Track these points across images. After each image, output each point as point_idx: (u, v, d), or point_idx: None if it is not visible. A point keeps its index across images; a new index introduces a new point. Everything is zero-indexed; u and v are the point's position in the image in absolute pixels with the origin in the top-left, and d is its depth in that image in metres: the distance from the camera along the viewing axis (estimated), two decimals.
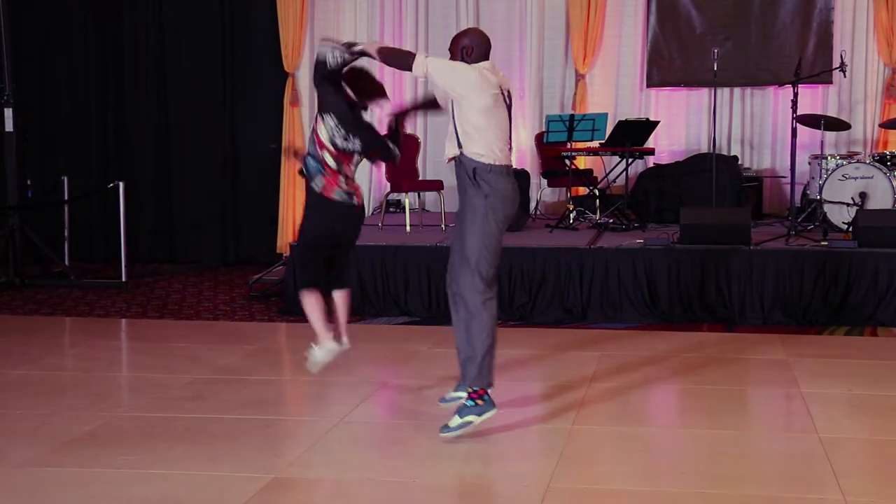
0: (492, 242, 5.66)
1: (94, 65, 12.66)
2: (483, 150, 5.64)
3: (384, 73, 12.20)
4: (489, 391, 5.68)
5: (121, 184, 10.80)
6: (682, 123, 11.87)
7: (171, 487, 5.01)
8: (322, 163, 6.07)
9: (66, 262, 11.34)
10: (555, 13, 11.87)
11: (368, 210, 12.06)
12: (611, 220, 10.31)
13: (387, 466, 5.42)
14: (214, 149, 12.41)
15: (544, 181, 11.41)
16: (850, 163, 9.96)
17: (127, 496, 4.90)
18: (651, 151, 11.06)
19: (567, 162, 10.71)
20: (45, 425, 5.98)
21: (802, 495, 4.88)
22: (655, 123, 10.84)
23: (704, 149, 11.45)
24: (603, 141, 10.58)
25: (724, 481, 5.07)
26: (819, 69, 10.99)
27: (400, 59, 5.91)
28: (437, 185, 10.57)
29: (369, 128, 6.21)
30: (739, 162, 11.37)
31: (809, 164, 10.65)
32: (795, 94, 9.66)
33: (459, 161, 5.71)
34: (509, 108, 5.80)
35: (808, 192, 10.58)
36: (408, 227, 10.22)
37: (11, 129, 10.99)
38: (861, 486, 5.02)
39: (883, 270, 8.67)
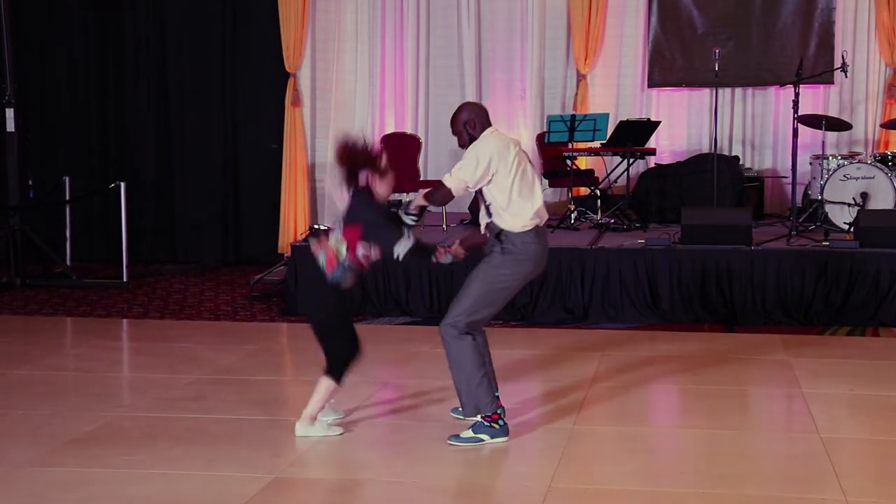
0: (494, 292, 5.65)
1: (95, 65, 12.66)
2: (512, 219, 5.64)
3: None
4: (503, 417, 5.66)
5: (122, 184, 10.80)
6: (683, 123, 11.86)
7: (171, 487, 5.01)
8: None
9: (68, 263, 11.34)
10: (556, 13, 11.87)
11: None
12: (612, 221, 10.31)
13: (387, 466, 5.42)
14: (215, 149, 12.41)
15: (545, 181, 11.38)
16: (851, 163, 9.96)
17: (128, 496, 4.90)
18: (652, 152, 11.06)
19: (568, 162, 10.71)
20: (46, 425, 5.99)
21: (803, 495, 4.88)
22: (657, 124, 10.83)
23: (706, 149, 11.45)
24: (604, 141, 10.58)
25: (725, 481, 5.06)
26: (820, 69, 10.99)
27: (441, 194, 5.81)
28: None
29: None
30: (741, 162, 11.36)
31: (811, 164, 10.64)
32: (797, 95, 9.66)
33: (490, 226, 5.74)
34: (530, 162, 5.81)
35: (810, 192, 10.57)
36: None
37: (13, 130, 10.99)
38: (862, 486, 5.02)
39: (884, 270, 8.67)
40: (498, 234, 5.68)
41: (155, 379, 7.05)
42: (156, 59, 12.51)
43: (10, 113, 10.97)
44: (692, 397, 6.67)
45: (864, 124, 11.37)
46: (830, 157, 10.20)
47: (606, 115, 10.68)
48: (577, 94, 11.64)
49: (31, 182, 11.37)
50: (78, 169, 12.20)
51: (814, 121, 10.23)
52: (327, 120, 12.20)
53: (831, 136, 10.89)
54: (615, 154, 10.71)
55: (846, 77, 10.73)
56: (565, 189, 11.24)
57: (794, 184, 9.95)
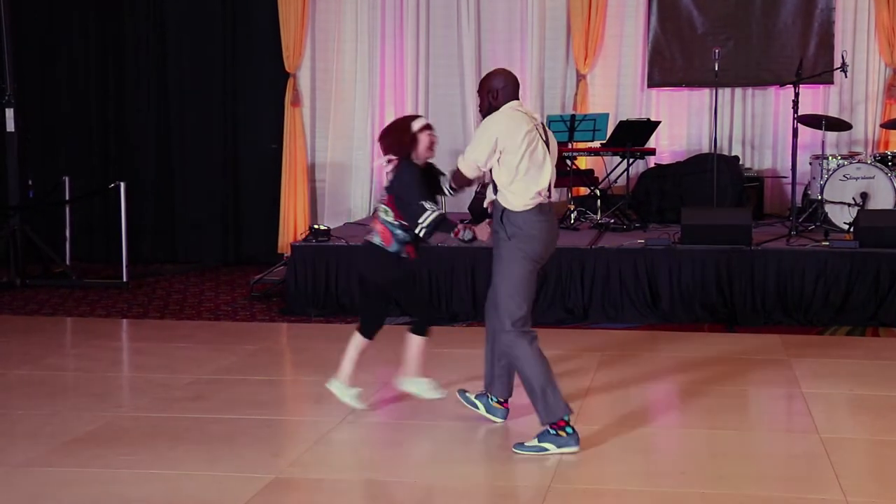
0: (518, 285, 5.54)
1: (95, 65, 12.66)
2: (514, 198, 5.55)
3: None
4: (571, 423, 5.49)
5: (122, 184, 10.80)
6: (683, 123, 11.86)
7: (171, 487, 5.01)
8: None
9: (68, 263, 11.34)
10: (556, 13, 11.86)
11: (369, 210, 12.10)
12: (612, 221, 10.31)
13: (387, 467, 5.42)
14: (215, 149, 12.41)
15: None
16: (851, 163, 9.96)
17: (128, 496, 4.90)
18: (652, 152, 11.06)
19: (568, 162, 10.70)
20: (46, 425, 5.99)
21: (803, 495, 4.88)
22: (656, 124, 10.83)
23: (705, 149, 11.44)
24: (604, 141, 10.58)
25: (726, 481, 5.07)
26: (820, 69, 10.98)
27: (457, 176, 5.81)
28: None
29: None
30: (741, 162, 11.36)
31: (811, 164, 10.64)
32: (797, 95, 9.66)
33: (495, 204, 5.67)
34: (546, 141, 5.67)
35: (810, 192, 10.57)
36: None
37: (13, 130, 10.99)
38: (862, 486, 5.02)
39: (884, 271, 8.67)
40: (501, 215, 5.58)
41: (155, 379, 7.05)
42: (156, 59, 12.51)
43: (9, 113, 10.97)
44: (692, 397, 6.67)
45: (864, 124, 11.37)
46: (830, 157, 10.20)
47: (606, 115, 10.69)
48: (576, 93, 11.64)
49: (31, 182, 11.37)
50: (78, 169, 12.20)
51: (814, 121, 10.23)
52: (327, 120, 12.20)
53: (831, 136, 10.89)
54: (615, 154, 10.71)
55: (846, 77, 10.73)
56: (565, 189, 11.24)
57: (793, 184, 9.95)
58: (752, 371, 7.29)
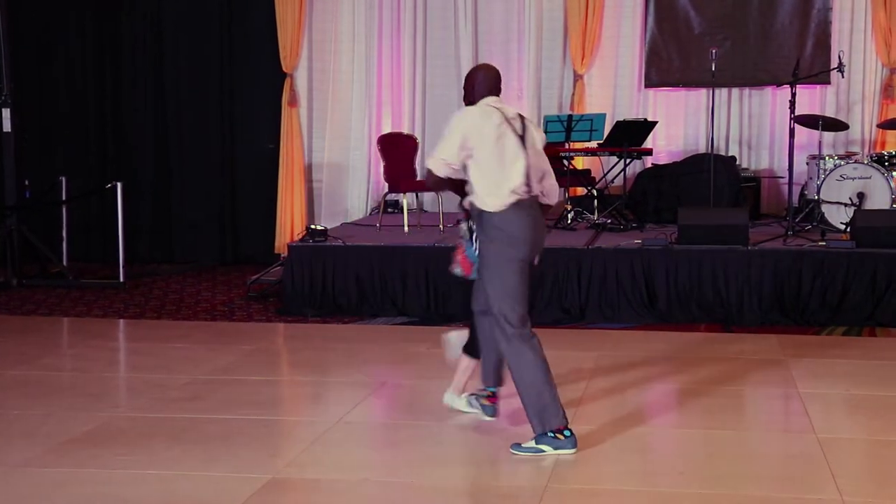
0: (508, 288, 5.41)
1: (92, 65, 12.66)
2: (488, 198, 5.39)
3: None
4: (570, 428, 5.44)
5: (119, 184, 10.79)
6: (680, 124, 11.87)
7: (168, 488, 5.01)
8: None
9: (64, 263, 11.33)
10: (553, 14, 11.87)
11: (366, 210, 12.09)
12: (609, 221, 10.31)
13: (384, 467, 5.42)
14: (212, 149, 12.41)
15: None
16: (847, 163, 9.97)
17: (124, 496, 4.90)
18: (649, 152, 11.07)
19: (565, 162, 10.70)
20: (42, 425, 5.98)
21: (800, 495, 4.88)
22: (653, 124, 10.84)
23: (702, 149, 11.46)
24: (601, 141, 10.58)
25: (722, 481, 5.07)
26: (817, 69, 10.99)
27: (428, 178, 5.55)
28: None
29: None
30: (737, 162, 11.37)
31: (807, 164, 10.65)
32: (793, 95, 9.67)
33: (472, 205, 5.53)
34: (523, 136, 5.51)
35: (806, 192, 10.58)
36: (406, 228, 10.22)
37: (9, 130, 10.98)
38: (858, 486, 5.02)
39: (881, 271, 8.67)
40: (480, 217, 5.46)
41: (151, 379, 7.05)
42: (153, 58, 12.51)
43: (6, 113, 10.95)
44: (689, 397, 6.67)
45: (861, 124, 11.38)
46: (827, 158, 10.21)
47: (603, 116, 10.69)
48: (573, 94, 11.65)
49: (27, 182, 11.36)
50: (75, 169, 12.19)
51: (810, 121, 10.24)
52: (324, 120, 12.21)
53: (828, 136, 10.89)
54: (612, 154, 10.71)
55: (843, 77, 10.74)
56: (562, 189, 11.23)
57: (790, 184, 9.96)
58: (749, 371, 7.29)
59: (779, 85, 10.89)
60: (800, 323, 8.67)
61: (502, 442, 5.63)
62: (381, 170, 11.08)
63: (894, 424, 6.00)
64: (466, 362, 6.04)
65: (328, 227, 10.03)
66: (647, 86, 11.87)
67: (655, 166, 11.36)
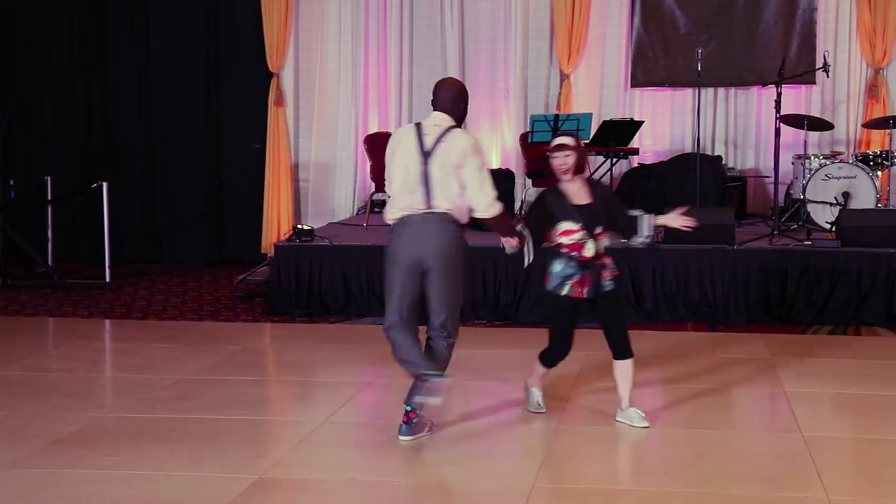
0: (388, 292, 5.74)
1: (79, 64, 12.60)
2: (387, 212, 5.79)
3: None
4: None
5: (104, 184, 10.75)
6: (666, 123, 11.88)
7: (155, 488, 5.00)
8: None
9: (50, 263, 11.29)
10: (539, 13, 11.87)
11: (353, 210, 12.08)
12: None
13: (371, 467, 5.42)
14: (199, 149, 12.37)
15: (529, 181, 11.41)
16: (833, 163, 10.00)
17: (111, 497, 4.89)
18: (635, 151, 11.08)
19: None
20: (29, 426, 5.96)
21: (787, 494, 4.90)
22: (640, 123, 10.86)
23: (689, 149, 11.47)
24: (587, 141, 10.58)
25: (709, 481, 5.08)
26: (802, 69, 11.03)
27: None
28: None
29: None
30: (723, 162, 11.38)
31: (793, 163, 10.68)
32: (779, 95, 9.70)
33: None
34: (430, 152, 5.63)
35: (792, 191, 10.60)
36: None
37: None
38: (844, 484, 5.04)
39: (866, 270, 8.70)
40: None
41: (138, 379, 7.03)
42: (139, 58, 12.47)
43: None
44: (675, 397, 6.68)
45: (846, 124, 11.41)
46: (812, 157, 10.24)
47: (590, 115, 10.69)
48: (560, 93, 11.65)
49: (12, 182, 11.32)
50: (62, 169, 12.13)
51: (796, 120, 10.27)
52: (311, 120, 12.19)
53: (813, 135, 10.92)
54: (598, 154, 10.72)
55: (828, 77, 10.75)
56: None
57: (776, 183, 9.98)
58: (735, 370, 7.31)
59: (764, 85, 10.91)
60: (786, 322, 8.70)
61: (490, 441, 5.64)
62: (368, 169, 11.08)
63: (879, 423, 6.02)
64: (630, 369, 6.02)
65: (315, 227, 10.02)
66: (633, 85, 11.88)
67: (642, 166, 11.37)
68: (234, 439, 5.73)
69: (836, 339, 8.26)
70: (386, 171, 5.79)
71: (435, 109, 5.81)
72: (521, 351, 7.77)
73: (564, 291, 5.84)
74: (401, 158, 5.67)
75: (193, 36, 12.30)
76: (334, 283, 9.31)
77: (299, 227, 9.83)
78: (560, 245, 5.81)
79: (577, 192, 5.80)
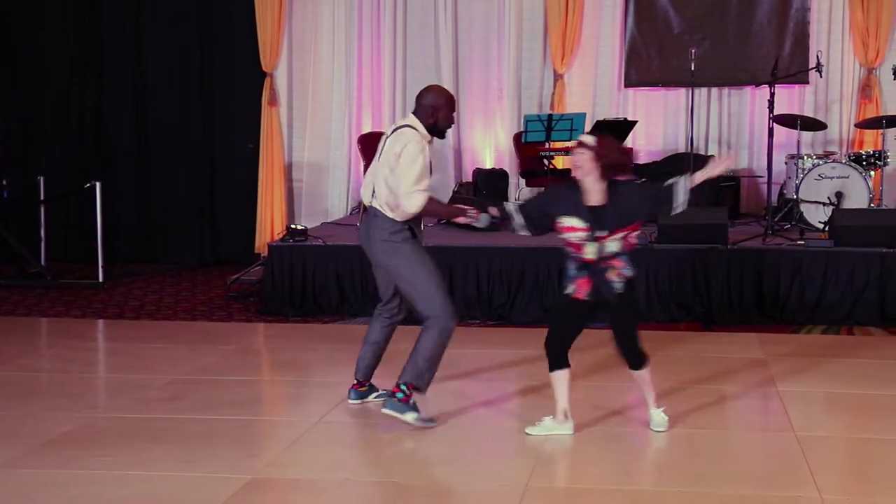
0: (432, 280, 6.04)
1: (73, 65, 12.58)
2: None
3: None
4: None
5: (97, 184, 10.74)
6: (659, 123, 11.89)
7: (148, 488, 4.99)
8: None
9: (43, 263, 11.27)
10: (533, 13, 11.88)
11: (346, 210, 12.07)
12: None
13: (364, 467, 5.42)
14: (192, 148, 12.36)
15: (522, 181, 11.42)
16: (826, 162, 10.02)
17: (105, 497, 4.88)
18: (629, 151, 11.09)
19: (545, 162, 10.73)
20: (22, 426, 5.95)
21: (780, 493, 4.90)
22: (633, 123, 10.87)
23: (682, 148, 11.49)
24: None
25: (703, 480, 5.08)
26: (795, 69, 11.04)
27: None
28: None
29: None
30: None
31: (786, 163, 10.70)
32: (772, 94, 9.72)
33: None
34: (380, 150, 6.05)
35: (785, 191, 10.62)
36: None
37: None
38: (837, 483, 5.05)
39: (859, 269, 8.72)
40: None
41: (131, 379, 7.02)
42: (133, 58, 12.45)
43: None
44: (669, 396, 6.68)
45: (839, 124, 11.43)
46: (805, 157, 10.26)
47: (583, 115, 10.70)
48: (553, 93, 11.66)
49: (5, 182, 11.30)
50: (55, 169, 12.12)
51: (789, 120, 10.28)
52: (304, 120, 12.19)
53: (806, 135, 10.94)
54: None
55: (821, 77, 10.79)
56: (542, 188, 11.25)
57: (769, 183, 10.00)
58: (729, 370, 7.32)
59: (757, 85, 10.93)
60: (779, 322, 8.71)
61: (484, 441, 5.64)
62: (361, 169, 11.07)
63: (873, 422, 6.03)
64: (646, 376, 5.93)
65: (308, 227, 10.01)
66: (626, 85, 11.89)
67: (635, 165, 11.37)
68: (228, 439, 5.72)
69: (830, 339, 8.27)
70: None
71: (411, 113, 6.06)
72: (514, 351, 7.79)
73: (568, 290, 5.82)
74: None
75: (187, 36, 12.28)
76: (328, 282, 9.30)
77: (293, 226, 9.82)
78: (567, 243, 5.78)
79: (593, 192, 5.73)
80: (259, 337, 8.71)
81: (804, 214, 9.86)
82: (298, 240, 9.57)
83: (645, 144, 11.78)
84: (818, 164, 9.97)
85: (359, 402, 6.32)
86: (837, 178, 9.85)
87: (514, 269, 9.06)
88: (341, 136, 12.18)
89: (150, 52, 12.43)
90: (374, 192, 5.96)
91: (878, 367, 7.34)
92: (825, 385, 6.84)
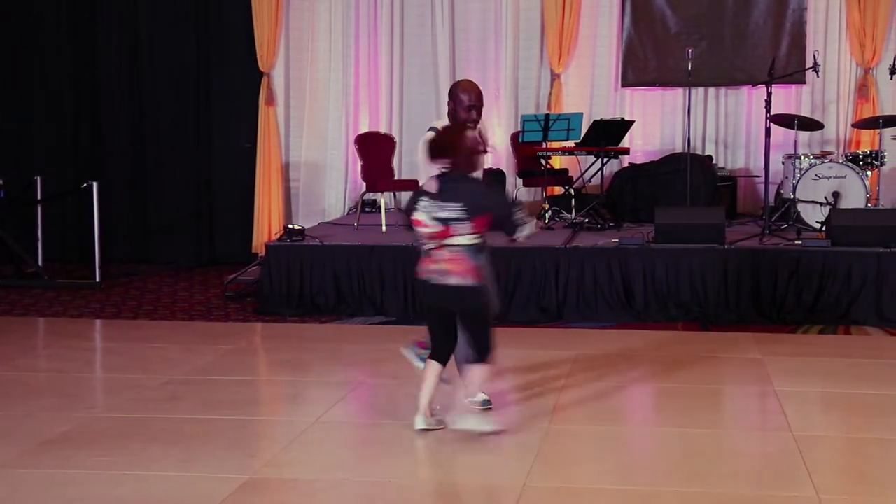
0: None
1: (69, 64, 12.58)
2: None
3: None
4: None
5: (94, 183, 10.74)
6: (656, 123, 11.91)
7: (145, 488, 4.99)
8: None
9: (40, 263, 11.27)
10: (530, 13, 11.89)
11: (344, 209, 12.07)
12: (586, 220, 10.33)
13: (362, 466, 5.41)
14: (189, 148, 12.36)
15: (520, 181, 11.42)
16: (823, 162, 10.03)
17: (102, 497, 4.88)
18: (626, 151, 11.10)
19: (542, 161, 10.73)
20: (18, 427, 5.95)
21: (777, 493, 4.91)
22: (630, 123, 10.87)
23: (679, 148, 11.50)
24: (578, 140, 10.60)
25: (700, 480, 5.09)
26: (792, 69, 11.06)
27: None
28: (412, 185, 10.52)
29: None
30: (714, 161, 11.42)
31: (783, 163, 10.70)
32: (769, 94, 9.72)
33: None
34: None
35: (782, 191, 10.63)
36: (384, 227, 10.21)
37: None
38: (835, 483, 5.05)
39: (856, 269, 8.72)
40: None
41: (128, 379, 7.02)
42: (129, 57, 12.45)
43: None
44: (666, 396, 6.70)
45: (836, 124, 11.45)
46: (802, 157, 10.27)
47: (580, 115, 10.71)
48: (550, 93, 11.67)
49: (2, 181, 11.29)
50: (51, 169, 12.12)
51: (786, 120, 10.29)
52: (301, 119, 12.19)
53: (803, 135, 10.95)
54: (589, 153, 10.74)
55: (818, 77, 10.80)
56: (539, 188, 11.26)
57: (766, 183, 10.00)
58: (726, 370, 7.33)
59: (754, 84, 10.94)
60: (776, 321, 8.72)
61: (480, 441, 5.64)
62: (359, 169, 11.07)
63: (870, 422, 6.04)
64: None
65: (306, 227, 10.02)
66: (623, 85, 11.91)
67: (632, 165, 11.39)
68: (225, 439, 5.72)
69: (827, 339, 8.28)
70: None
71: None
72: (511, 351, 7.77)
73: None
74: None
75: (184, 35, 12.28)
76: (325, 282, 9.30)
77: (290, 226, 9.82)
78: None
79: None
80: (256, 337, 8.71)
81: (801, 214, 9.87)
82: (296, 240, 9.58)
83: (642, 144, 11.79)
84: (815, 164, 9.98)
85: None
86: (834, 177, 9.86)
87: (511, 269, 9.05)
88: (338, 135, 12.18)
89: (146, 52, 12.42)
90: None
91: (875, 366, 7.34)
92: (822, 385, 6.85)
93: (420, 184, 5.77)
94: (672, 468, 5.31)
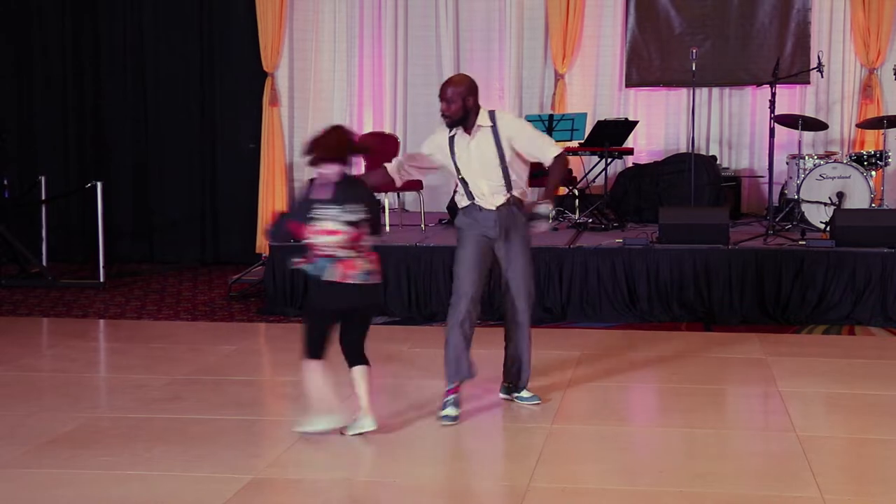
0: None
1: (73, 64, 12.58)
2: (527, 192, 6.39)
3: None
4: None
5: (98, 184, 10.74)
6: (660, 123, 11.90)
7: (149, 488, 4.99)
8: None
9: (44, 263, 11.27)
10: (534, 13, 11.88)
11: None
12: (590, 220, 10.33)
13: (366, 467, 5.42)
14: (193, 149, 12.36)
15: None
16: (827, 163, 10.02)
17: (105, 497, 4.88)
18: (630, 151, 11.09)
19: None
20: (22, 426, 5.95)
21: (780, 493, 4.90)
22: (634, 123, 10.87)
23: (683, 148, 11.49)
24: (582, 141, 10.60)
25: (703, 480, 5.08)
26: (797, 69, 11.05)
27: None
28: (416, 185, 10.54)
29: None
30: (718, 162, 11.41)
31: (787, 163, 10.70)
32: (773, 95, 9.71)
33: (510, 199, 6.14)
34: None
35: (786, 191, 10.62)
36: (387, 227, 10.20)
37: None
38: (838, 483, 5.05)
39: (860, 270, 8.71)
40: (518, 207, 6.15)
41: (132, 379, 7.02)
42: (133, 58, 12.46)
43: None
44: (670, 396, 6.69)
45: (840, 124, 11.43)
46: (807, 157, 10.25)
47: (584, 115, 10.71)
48: (554, 93, 11.66)
49: (6, 182, 11.30)
50: (55, 169, 12.13)
51: (790, 120, 10.28)
52: (305, 119, 12.18)
53: (807, 135, 10.94)
54: (593, 154, 10.73)
55: (822, 77, 10.80)
56: (543, 188, 11.23)
57: (770, 183, 10.00)
58: (730, 370, 7.32)
59: (759, 85, 10.94)
60: (780, 322, 8.71)
61: (486, 441, 5.64)
62: (363, 169, 11.05)
63: (874, 423, 6.03)
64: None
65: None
66: (627, 85, 11.90)
67: (636, 166, 11.38)
68: (229, 439, 5.72)
69: (831, 339, 8.27)
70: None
71: None
72: None
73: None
74: None
75: (187, 35, 12.29)
76: None
77: None
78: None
79: None
80: (260, 337, 8.71)
81: (805, 214, 9.86)
82: (299, 240, 9.55)
83: (646, 145, 11.78)
84: (819, 165, 9.97)
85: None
86: (839, 178, 9.85)
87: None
88: None
89: (149, 51, 12.42)
90: (509, 185, 6.15)
91: (879, 367, 7.33)
92: (826, 385, 6.84)
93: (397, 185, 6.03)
94: (676, 468, 5.31)
